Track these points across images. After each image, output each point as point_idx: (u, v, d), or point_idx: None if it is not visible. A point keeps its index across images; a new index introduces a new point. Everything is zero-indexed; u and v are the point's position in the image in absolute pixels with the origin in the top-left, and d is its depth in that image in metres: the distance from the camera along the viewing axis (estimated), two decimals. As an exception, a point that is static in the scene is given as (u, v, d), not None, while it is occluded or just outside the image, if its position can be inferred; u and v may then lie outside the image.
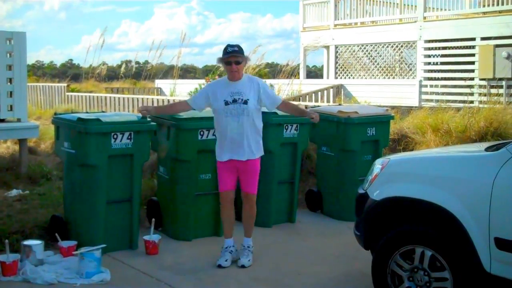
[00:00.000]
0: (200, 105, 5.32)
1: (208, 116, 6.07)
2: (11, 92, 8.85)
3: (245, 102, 5.06)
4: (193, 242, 5.81)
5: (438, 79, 16.10)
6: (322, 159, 7.19)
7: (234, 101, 5.07)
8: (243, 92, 5.08)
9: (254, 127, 5.16)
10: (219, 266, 5.17)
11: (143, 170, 6.00)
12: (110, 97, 14.64)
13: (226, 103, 5.07)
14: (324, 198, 7.14)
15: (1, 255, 4.89)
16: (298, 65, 19.17)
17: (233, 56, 5.06)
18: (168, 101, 12.12)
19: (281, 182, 6.54)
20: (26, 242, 5.03)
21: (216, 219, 5.97)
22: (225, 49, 5.12)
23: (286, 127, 6.47)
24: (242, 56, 5.11)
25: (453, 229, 3.86)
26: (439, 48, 16.46)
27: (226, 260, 5.22)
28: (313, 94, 15.34)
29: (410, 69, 17.34)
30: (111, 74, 27.15)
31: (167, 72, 21.33)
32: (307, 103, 13.07)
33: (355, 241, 4.65)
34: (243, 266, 5.12)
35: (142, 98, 13.23)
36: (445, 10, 17.21)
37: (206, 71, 30.13)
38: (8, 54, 8.81)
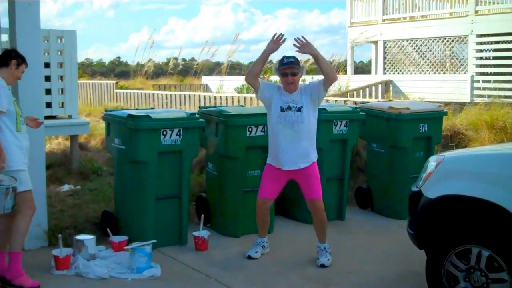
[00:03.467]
0: (263, 90, 5.13)
1: (257, 112, 6.07)
2: (62, 90, 9.03)
3: (299, 110, 5.00)
4: (242, 238, 5.79)
5: (490, 74, 15.65)
6: (372, 156, 7.06)
7: (289, 108, 5.01)
8: (297, 100, 5.03)
9: (309, 133, 5.10)
10: (249, 257, 5.19)
11: (192, 167, 6.00)
12: (157, 94, 14.80)
13: (282, 110, 5.02)
14: (374, 195, 7.02)
15: (55, 249, 4.98)
16: (345, 60, 18.96)
17: (289, 67, 5.00)
18: (215, 97, 12.16)
19: (330, 179, 6.44)
20: (79, 237, 5.10)
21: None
22: (281, 60, 5.05)
23: (336, 123, 6.37)
24: (298, 68, 5.05)
25: (512, 229, 3.72)
26: (491, 43, 16.00)
27: (256, 252, 5.24)
28: (361, 90, 15.14)
29: (461, 64, 16.91)
30: (158, 71, 27.46)
31: (213, 69, 21.45)
32: (354, 99, 12.91)
33: (406, 240, 4.54)
34: (323, 266, 5.04)
35: (189, 95, 13.30)
36: (497, 3, 16.71)
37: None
38: (59, 52, 8.98)
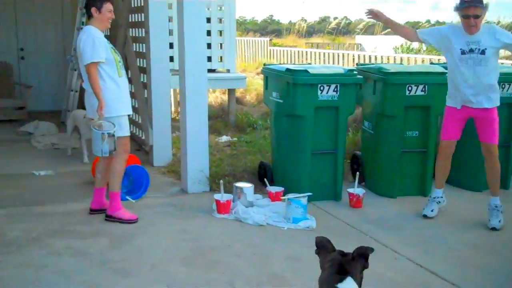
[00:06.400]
0: (430, 41, 5.11)
1: (418, 70, 5.87)
2: (221, 44, 9.38)
3: (483, 52, 4.76)
4: (397, 199, 5.70)
5: None
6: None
7: (471, 50, 4.79)
8: (480, 42, 4.78)
9: (490, 76, 4.85)
10: (425, 216, 5.07)
11: (347, 124, 5.98)
12: (311, 51, 14.81)
13: (463, 52, 4.81)
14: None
15: (216, 194, 5.26)
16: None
17: (472, 7, 4.71)
18: (370, 57, 11.92)
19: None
20: (238, 184, 5.33)
21: (422, 178, 5.79)
22: None
23: (504, 85, 5.96)
24: (482, 8, 4.74)
25: None
26: None
27: (432, 210, 5.10)
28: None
29: None
30: (310, 30, 27.44)
31: (367, 28, 20.97)
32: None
33: None
34: (494, 229, 4.86)
35: (343, 54, 13.17)
36: None
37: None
38: (219, 8, 9.29)
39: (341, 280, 2.22)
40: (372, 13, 5.27)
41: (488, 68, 4.81)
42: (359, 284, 2.30)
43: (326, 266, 2.33)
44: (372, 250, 2.35)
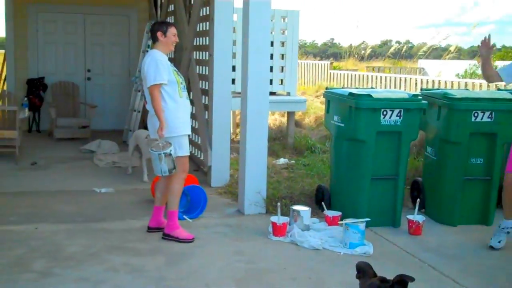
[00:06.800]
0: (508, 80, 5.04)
1: (484, 97, 5.71)
2: (282, 68, 9.44)
3: None
4: (458, 228, 5.52)
5: None
6: None
7: None
8: None
9: None
10: (491, 247, 4.91)
11: (409, 150, 5.86)
12: (372, 75, 14.67)
13: None
14: None
15: (273, 216, 5.24)
16: None
17: None
18: (433, 81, 11.69)
19: None
20: (295, 207, 5.29)
21: (485, 206, 5.61)
22: None
23: None
24: None
25: None
26: None
27: (499, 242, 4.92)
28: None
29: None
30: (371, 53, 27.23)
31: (429, 52, 20.61)
32: None
33: None
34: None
35: (405, 78, 12.97)
36: None
37: (472, 53, 28.37)
38: (282, 32, 9.36)
39: None
40: (487, 42, 5.03)
41: None
42: None
43: None
44: (412, 279, 2.30)
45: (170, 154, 4.75)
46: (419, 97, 5.61)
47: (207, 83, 7.18)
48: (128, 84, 10.78)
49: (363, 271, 2.37)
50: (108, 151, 8.54)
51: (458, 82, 11.32)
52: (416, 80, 12.47)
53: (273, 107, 9.12)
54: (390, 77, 13.68)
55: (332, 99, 5.88)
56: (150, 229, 5.12)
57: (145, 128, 5.48)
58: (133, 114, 9.49)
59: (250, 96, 5.73)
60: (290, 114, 9.46)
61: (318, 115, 11.22)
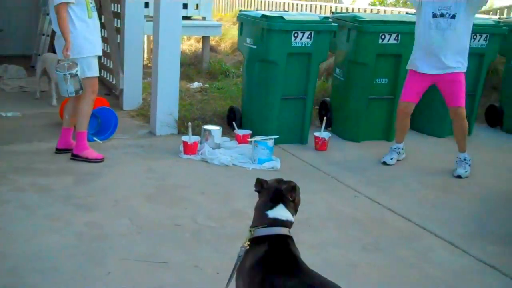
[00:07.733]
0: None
1: (392, 20, 5.91)
2: (197, -9, 9.22)
3: (453, 17, 4.79)
4: (362, 143, 5.80)
5: None
6: (510, 74, 6.63)
7: (442, 15, 4.82)
8: (451, 7, 4.81)
9: (459, 42, 4.88)
10: (384, 163, 5.18)
11: (319, 72, 6.00)
12: (288, 2, 14.63)
13: (434, 16, 4.84)
14: (505, 115, 6.66)
15: (184, 136, 5.28)
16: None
17: None
18: (347, 8, 11.83)
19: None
20: (206, 127, 5.36)
21: (388, 124, 5.90)
22: None
23: (475, 36, 6.01)
24: None
25: None
26: None
27: (391, 159, 5.20)
28: None
29: None
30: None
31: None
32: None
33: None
34: (459, 176, 4.98)
35: (320, 5, 13.04)
36: None
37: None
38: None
39: (271, 208, 2.26)
40: None
41: (457, 33, 4.82)
42: (295, 211, 2.34)
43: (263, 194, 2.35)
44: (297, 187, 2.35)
45: (76, 75, 4.63)
46: (330, 20, 5.72)
47: (119, 6, 6.94)
48: (35, 8, 10.23)
49: (262, 185, 2.38)
50: (15, 75, 8.19)
51: (371, 9, 11.53)
52: (331, 8, 12.58)
53: (188, 32, 9.00)
54: (306, 4, 13.71)
55: (245, 21, 5.87)
56: (58, 150, 5.04)
57: (54, 52, 5.27)
58: (42, 38, 9.07)
59: (162, 19, 5.61)
60: (205, 39, 9.35)
61: (234, 41, 11.12)
